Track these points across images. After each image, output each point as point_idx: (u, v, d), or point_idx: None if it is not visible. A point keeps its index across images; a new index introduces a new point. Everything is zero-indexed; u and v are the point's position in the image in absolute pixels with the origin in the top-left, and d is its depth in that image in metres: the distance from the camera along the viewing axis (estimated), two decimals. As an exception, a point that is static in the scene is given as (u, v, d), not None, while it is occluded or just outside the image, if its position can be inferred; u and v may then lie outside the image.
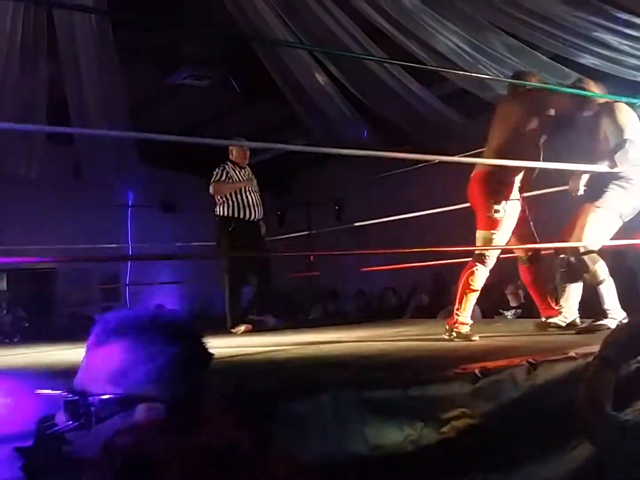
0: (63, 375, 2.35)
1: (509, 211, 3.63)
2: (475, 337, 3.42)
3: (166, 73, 6.05)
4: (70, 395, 0.99)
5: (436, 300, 7.02)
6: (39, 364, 3.33)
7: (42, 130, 4.93)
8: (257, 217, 5.25)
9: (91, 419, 0.97)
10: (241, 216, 5.16)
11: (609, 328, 3.33)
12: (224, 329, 4.99)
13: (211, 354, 1.10)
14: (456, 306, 3.57)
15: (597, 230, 3.52)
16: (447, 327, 3.56)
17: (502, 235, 3.64)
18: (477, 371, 2.05)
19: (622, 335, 1.68)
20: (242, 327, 5.05)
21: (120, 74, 5.69)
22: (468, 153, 6.59)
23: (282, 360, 3.00)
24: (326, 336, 4.23)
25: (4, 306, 8.10)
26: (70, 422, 0.97)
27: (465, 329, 3.51)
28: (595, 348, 1.79)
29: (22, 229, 8.26)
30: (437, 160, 5.07)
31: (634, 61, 5.15)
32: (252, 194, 5.26)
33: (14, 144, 6.02)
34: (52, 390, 1.01)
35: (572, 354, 2.37)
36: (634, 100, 3.68)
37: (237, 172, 5.29)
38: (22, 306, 8.12)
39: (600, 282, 3.52)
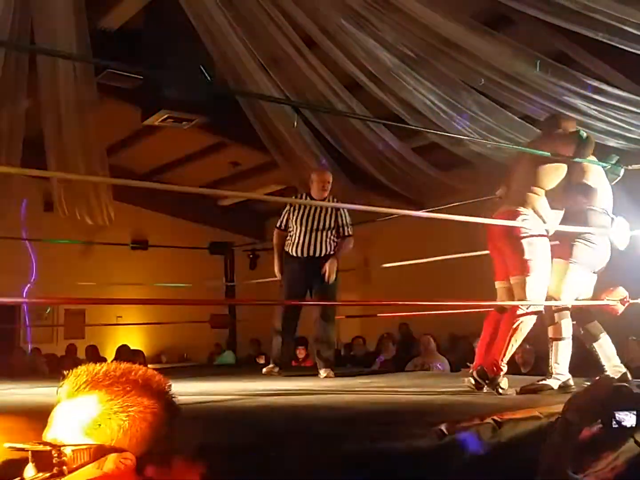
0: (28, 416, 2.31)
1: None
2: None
3: (145, 114, 6.10)
4: (40, 446, 0.99)
5: (404, 351, 7.05)
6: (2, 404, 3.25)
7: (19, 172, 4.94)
8: (308, 253, 4.85)
9: (62, 470, 0.97)
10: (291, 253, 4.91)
11: (551, 388, 3.36)
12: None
13: (179, 408, 1.12)
14: (502, 357, 3.37)
15: (572, 285, 3.53)
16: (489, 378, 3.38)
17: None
18: (443, 427, 2.06)
19: (584, 398, 1.72)
20: None
21: (97, 112, 5.73)
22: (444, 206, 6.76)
23: (247, 409, 2.98)
24: (296, 384, 4.21)
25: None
26: (40, 474, 0.96)
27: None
28: (558, 408, 1.82)
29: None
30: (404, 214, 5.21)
31: (602, 125, 5.36)
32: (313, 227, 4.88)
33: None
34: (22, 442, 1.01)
35: (536, 413, 2.40)
36: (604, 164, 3.80)
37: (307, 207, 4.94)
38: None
39: (559, 339, 3.48)
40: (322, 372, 4.76)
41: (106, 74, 5.96)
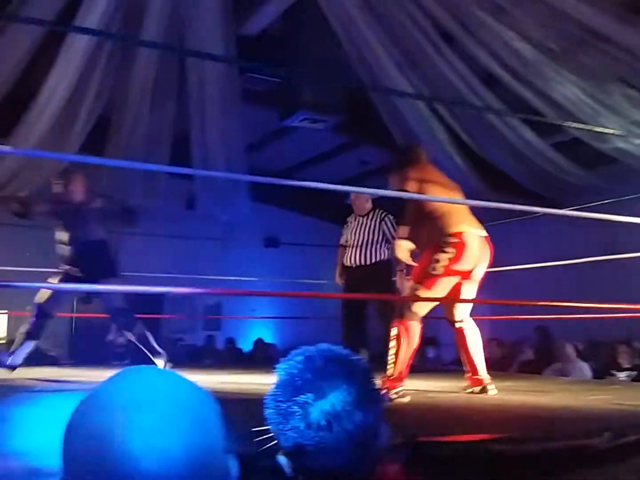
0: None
1: None
2: None
3: (284, 115, 6.29)
4: None
5: (542, 356, 6.77)
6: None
7: (163, 170, 5.27)
8: (355, 263, 5.42)
9: None
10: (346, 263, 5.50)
11: None
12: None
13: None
14: None
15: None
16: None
17: None
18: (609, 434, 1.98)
19: None
20: None
21: (241, 115, 5.98)
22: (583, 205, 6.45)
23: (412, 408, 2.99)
24: (430, 384, 4.19)
25: (115, 331, 8.51)
26: None
27: None
28: None
29: (134, 257, 8.71)
30: (543, 212, 5.02)
31: None
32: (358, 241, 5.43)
33: (138, 178, 6.41)
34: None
35: None
36: None
37: (355, 222, 5.50)
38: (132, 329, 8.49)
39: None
40: None
41: (246, 77, 6.23)
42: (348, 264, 5.44)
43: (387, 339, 5.07)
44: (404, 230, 3.67)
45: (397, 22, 5.20)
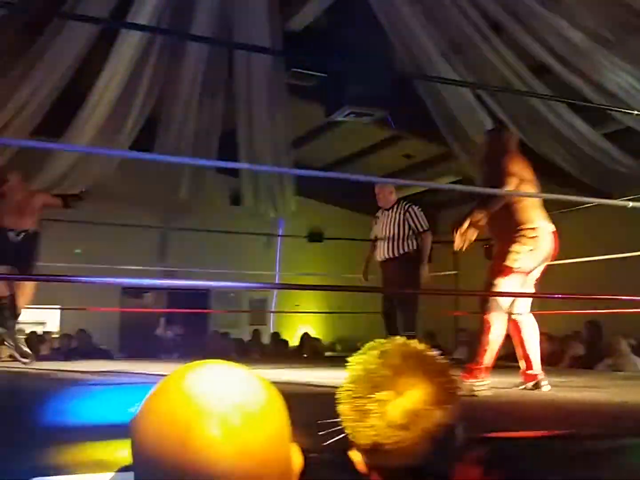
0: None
1: None
2: None
3: (329, 110, 6.29)
4: None
5: (593, 351, 6.63)
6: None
7: (214, 165, 5.32)
8: (384, 257, 5.48)
9: None
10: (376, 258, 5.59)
11: None
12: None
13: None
14: None
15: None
16: None
17: None
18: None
19: None
20: None
21: (288, 109, 6.00)
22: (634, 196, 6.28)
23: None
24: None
25: (164, 325, 8.68)
26: None
27: None
28: None
29: (180, 253, 8.85)
30: (595, 203, 4.90)
31: None
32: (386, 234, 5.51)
33: (187, 174, 6.49)
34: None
35: None
36: None
37: (382, 216, 5.58)
38: (179, 325, 8.65)
39: None
40: None
41: (291, 73, 6.23)
42: (379, 258, 5.52)
43: (407, 328, 5.20)
44: (480, 214, 3.48)
45: (444, 11, 5.14)
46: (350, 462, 1.02)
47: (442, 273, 8.39)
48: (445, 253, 10.07)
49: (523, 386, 3.70)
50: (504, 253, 3.51)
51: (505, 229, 3.57)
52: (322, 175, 3.96)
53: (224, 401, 0.75)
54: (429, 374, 1.03)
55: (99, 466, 1.65)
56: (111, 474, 1.47)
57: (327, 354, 8.89)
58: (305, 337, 8.15)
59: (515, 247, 3.48)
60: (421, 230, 5.42)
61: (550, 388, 3.61)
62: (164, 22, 4.70)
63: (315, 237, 10.48)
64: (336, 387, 1.08)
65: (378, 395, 1.01)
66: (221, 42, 5.06)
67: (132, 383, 3.84)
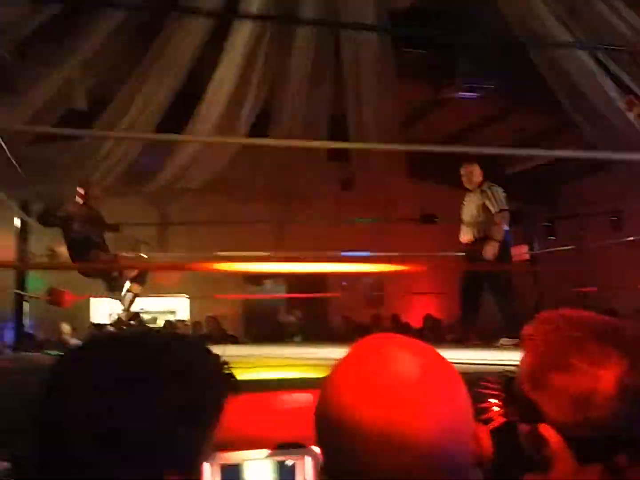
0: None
1: None
2: None
3: (440, 87, 6.18)
4: None
5: None
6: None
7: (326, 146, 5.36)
8: (467, 240, 5.53)
9: None
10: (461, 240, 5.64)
11: None
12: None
13: None
14: None
15: None
16: None
17: None
18: None
19: None
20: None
21: (396, 89, 5.94)
22: None
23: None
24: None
25: (285, 309, 8.90)
26: None
27: None
28: None
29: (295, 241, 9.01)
30: None
31: None
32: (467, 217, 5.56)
33: (298, 160, 6.59)
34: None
35: None
36: None
37: (467, 198, 5.63)
38: (299, 309, 8.84)
39: None
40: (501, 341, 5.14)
41: (399, 52, 6.15)
42: (461, 240, 5.60)
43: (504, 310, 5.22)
44: None
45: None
46: (541, 437, 0.94)
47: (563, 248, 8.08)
48: (568, 227, 9.69)
49: None
50: None
51: None
52: (437, 150, 3.87)
53: (422, 374, 0.77)
54: (622, 348, 0.91)
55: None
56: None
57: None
58: (429, 318, 8.07)
59: None
60: (494, 211, 5.40)
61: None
62: (272, 9, 4.79)
63: (427, 218, 10.34)
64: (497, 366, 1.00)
65: (581, 366, 0.90)
66: (331, 23, 5.09)
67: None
